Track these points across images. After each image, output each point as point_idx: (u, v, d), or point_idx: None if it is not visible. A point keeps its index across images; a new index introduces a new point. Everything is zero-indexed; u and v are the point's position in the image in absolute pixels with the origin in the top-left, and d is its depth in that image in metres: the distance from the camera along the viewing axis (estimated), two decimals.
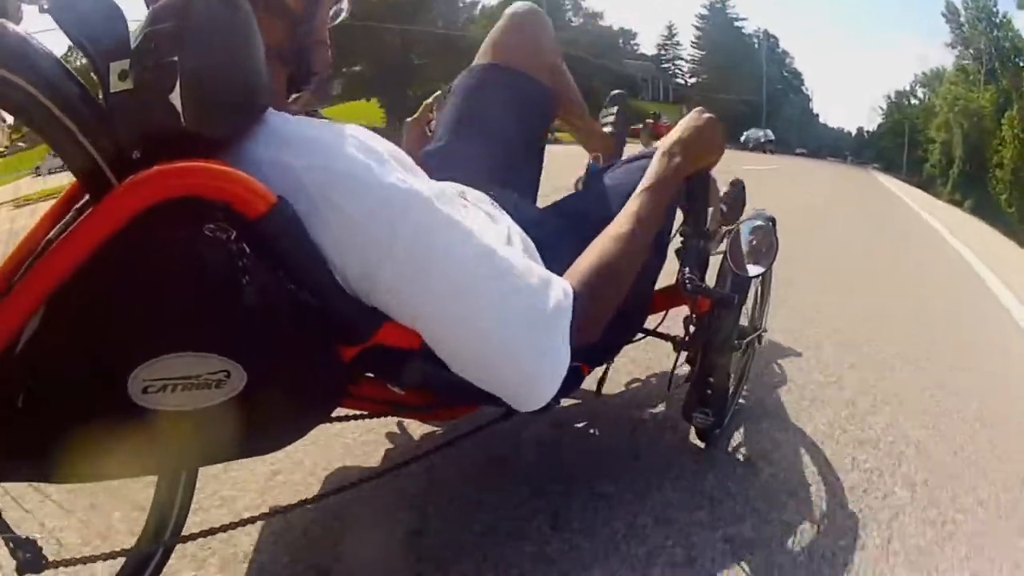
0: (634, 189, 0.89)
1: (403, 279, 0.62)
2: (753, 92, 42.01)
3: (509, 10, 1.20)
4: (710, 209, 1.08)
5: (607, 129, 1.44)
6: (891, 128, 46.50)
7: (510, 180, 1.06)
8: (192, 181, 0.54)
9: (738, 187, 1.25)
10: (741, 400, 1.40)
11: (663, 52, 46.94)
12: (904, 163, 40.24)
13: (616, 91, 1.56)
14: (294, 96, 0.75)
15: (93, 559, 0.64)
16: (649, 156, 0.96)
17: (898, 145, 44.26)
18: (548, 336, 0.68)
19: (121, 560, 0.70)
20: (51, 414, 0.54)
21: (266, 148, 0.62)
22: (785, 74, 51.10)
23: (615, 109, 1.47)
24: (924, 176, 30.67)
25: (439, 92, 1.36)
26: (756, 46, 47.09)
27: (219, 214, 0.55)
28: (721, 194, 1.20)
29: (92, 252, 0.51)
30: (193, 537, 0.70)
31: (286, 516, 0.95)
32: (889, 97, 50.06)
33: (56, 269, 0.52)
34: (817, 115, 55.38)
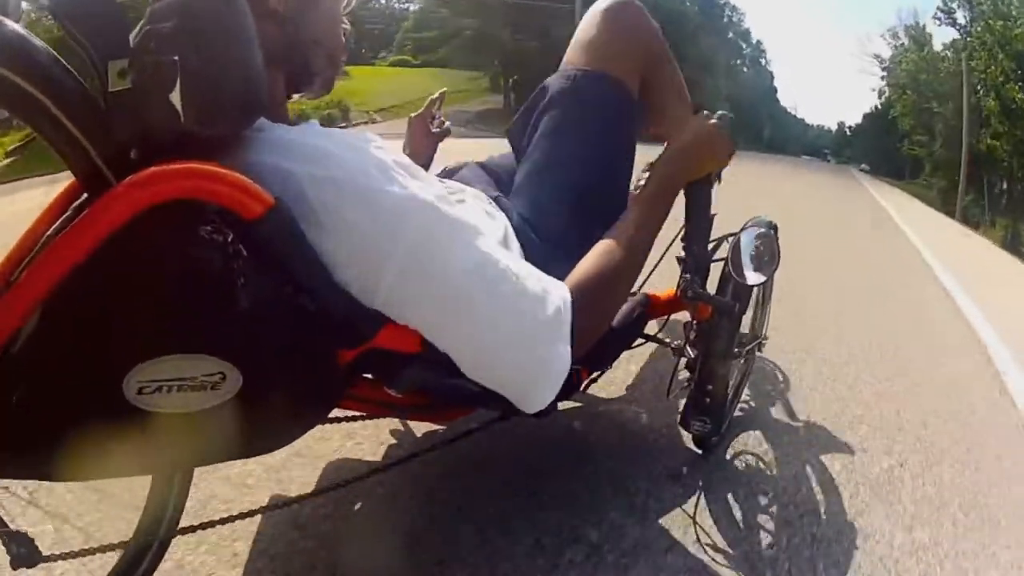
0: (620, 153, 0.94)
1: (404, 286, 0.62)
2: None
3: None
4: (713, 214, 1.07)
5: None
6: (908, 89, 22.61)
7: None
8: (189, 182, 0.53)
9: None
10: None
11: None
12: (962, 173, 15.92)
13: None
14: (296, 97, 0.75)
15: (87, 553, 0.64)
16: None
17: (920, 112, 21.65)
18: (549, 341, 0.68)
19: (116, 555, 0.71)
20: (47, 413, 0.53)
21: (268, 155, 0.62)
22: (731, 35, 32.52)
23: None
24: None
25: (445, 88, 1.39)
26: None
27: (215, 216, 0.54)
28: None
29: (88, 253, 0.51)
30: (189, 530, 0.71)
31: (279, 513, 0.95)
32: (895, 37, 25.23)
33: (53, 269, 0.51)
34: (776, 88, 39.96)
